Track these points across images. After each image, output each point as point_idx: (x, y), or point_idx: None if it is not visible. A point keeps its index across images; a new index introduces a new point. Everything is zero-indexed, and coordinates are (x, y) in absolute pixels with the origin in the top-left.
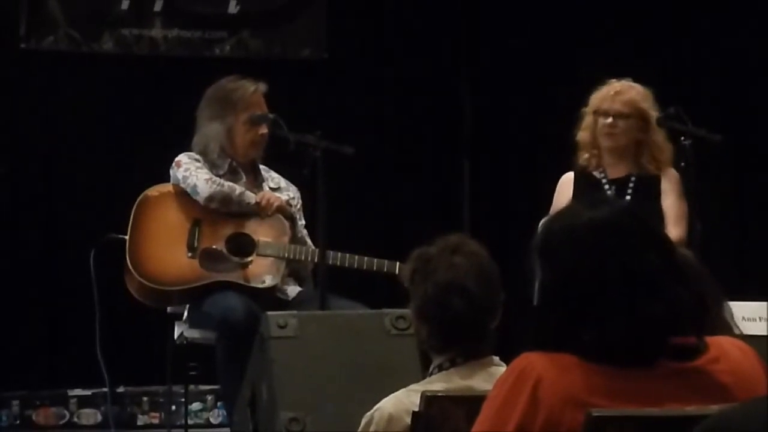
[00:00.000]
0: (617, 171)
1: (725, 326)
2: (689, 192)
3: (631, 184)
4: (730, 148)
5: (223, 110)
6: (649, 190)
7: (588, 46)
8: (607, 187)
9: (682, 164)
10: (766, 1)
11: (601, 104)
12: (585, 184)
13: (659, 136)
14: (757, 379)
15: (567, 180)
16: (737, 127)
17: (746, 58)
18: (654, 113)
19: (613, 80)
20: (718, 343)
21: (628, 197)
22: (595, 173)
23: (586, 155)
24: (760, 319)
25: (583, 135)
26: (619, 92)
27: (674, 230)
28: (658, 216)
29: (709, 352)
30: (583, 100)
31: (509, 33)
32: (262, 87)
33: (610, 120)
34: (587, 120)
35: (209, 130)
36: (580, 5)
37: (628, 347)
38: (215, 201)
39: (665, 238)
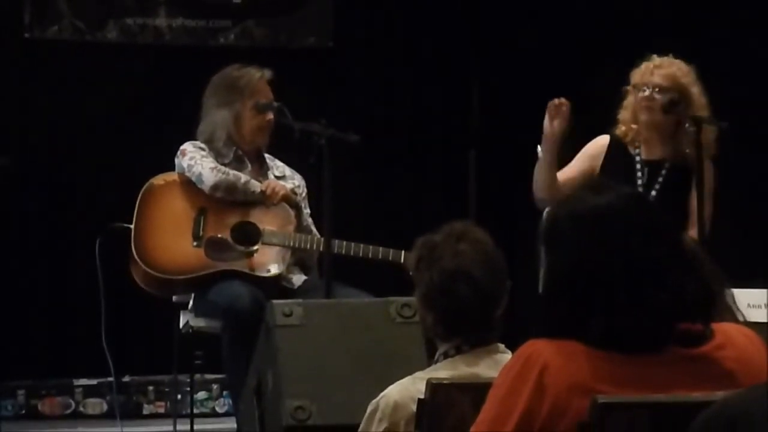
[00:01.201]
0: (653, 152)
1: (729, 311)
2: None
3: (663, 171)
4: (736, 134)
5: (230, 97)
6: (682, 180)
7: (598, 37)
8: (639, 167)
9: (687, 150)
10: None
11: (640, 78)
12: (618, 155)
13: (690, 110)
14: (763, 366)
15: (602, 143)
16: (743, 112)
17: (753, 46)
18: (695, 89)
19: (654, 55)
20: (724, 329)
21: (657, 185)
22: (630, 149)
23: (624, 128)
24: (765, 306)
25: (623, 114)
26: (659, 66)
27: (693, 230)
28: (684, 208)
29: (715, 338)
30: (593, 94)
31: (519, 23)
32: (268, 74)
33: (647, 92)
34: (629, 98)
35: (216, 117)
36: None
37: (634, 334)
38: (220, 189)
39: (671, 225)
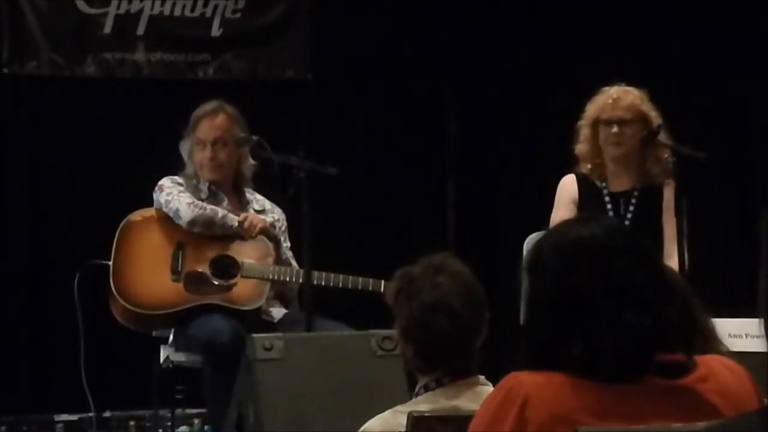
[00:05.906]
0: (621, 184)
1: (717, 343)
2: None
3: (633, 200)
4: (714, 164)
5: (189, 131)
6: (653, 204)
7: (577, 64)
8: (607, 199)
9: (667, 181)
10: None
11: (600, 114)
12: (587, 191)
13: (663, 138)
14: (746, 399)
15: (570, 181)
16: (725, 142)
17: (736, 75)
18: (653, 113)
19: (606, 87)
20: (706, 361)
21: (630, 214)
22: (597, 183)
23: (589, 165)
24: (746, 335)
25: (581, 147)
26: (618, 99)
27: (673, 257)
28: (657, 231)
29: (698, 370)
30: (570, 120)
31: (495, 51)
32: (229, 109)
33: (615, 129)
34: (585, 132)
35: (182, 150)
36: (568, 23)
37: (615, 361)
38: (198, 225)
39: (654, 255)
